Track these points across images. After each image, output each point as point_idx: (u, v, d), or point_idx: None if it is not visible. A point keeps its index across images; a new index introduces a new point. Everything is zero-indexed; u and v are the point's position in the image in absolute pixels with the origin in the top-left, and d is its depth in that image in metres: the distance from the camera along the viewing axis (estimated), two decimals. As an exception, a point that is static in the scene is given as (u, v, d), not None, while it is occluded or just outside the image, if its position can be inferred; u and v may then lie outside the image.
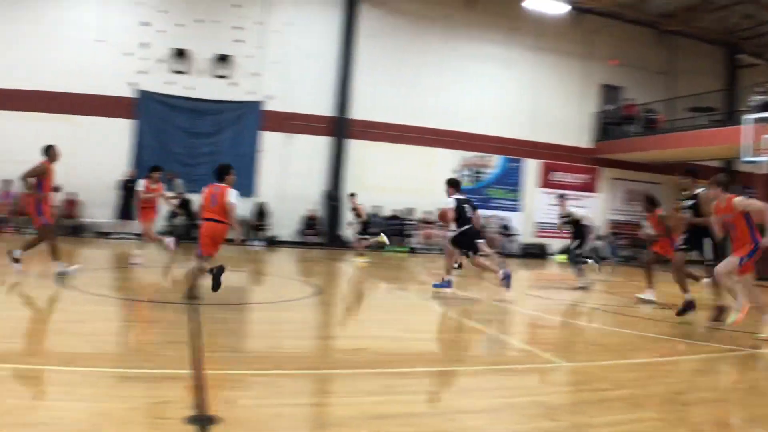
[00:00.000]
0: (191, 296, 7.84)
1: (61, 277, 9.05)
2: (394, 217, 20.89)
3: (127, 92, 18.80)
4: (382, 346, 6.42)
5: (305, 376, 5.05)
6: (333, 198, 20.11)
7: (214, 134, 19.33)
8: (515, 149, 23.11)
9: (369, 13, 20.92)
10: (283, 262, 15.70)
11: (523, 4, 20.86)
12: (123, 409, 3.89)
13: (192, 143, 19.24)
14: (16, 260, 9.17)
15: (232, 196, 8.09)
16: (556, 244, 22.13)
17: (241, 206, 18.19)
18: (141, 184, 13.04)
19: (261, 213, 19.27)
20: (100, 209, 18.05)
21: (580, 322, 9.14)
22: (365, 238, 16.02)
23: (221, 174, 8.27)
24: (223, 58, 19.26)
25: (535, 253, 22.52)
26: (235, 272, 12.92)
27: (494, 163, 23.01)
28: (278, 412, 4.10)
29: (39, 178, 9.43)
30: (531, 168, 23.56)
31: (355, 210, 16.36)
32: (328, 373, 5.26)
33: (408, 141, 21.27)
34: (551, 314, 9.61)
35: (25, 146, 14.51)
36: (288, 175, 19.58)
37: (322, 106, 20.40)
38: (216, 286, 7.75)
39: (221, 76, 19.33)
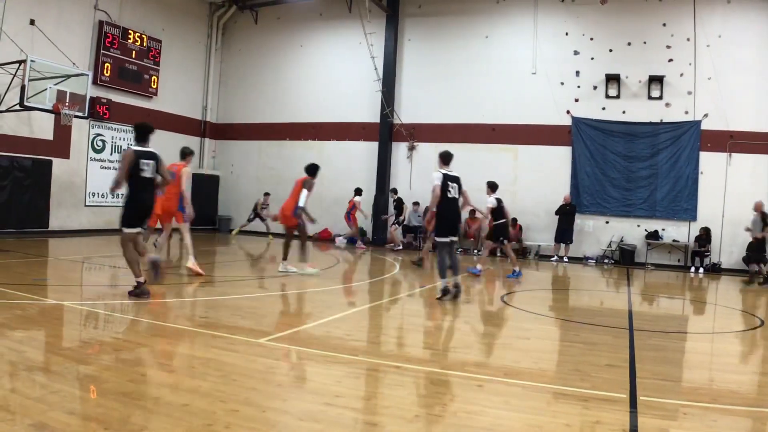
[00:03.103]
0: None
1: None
2: None
3: (563, 120, 19.79)
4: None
5: (742, 413, 4.81)
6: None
7: (650, 157, 18.88)
8: None
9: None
10: (723, 290, 14.57)
11: None
12: (556, 424, 4.26)
13: (628, 167, 19.15)
14: None
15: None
16: None
17: (678, 231, 17.67)
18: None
19: (704, 238, 18.02)
20: (539, 233, 19.40)
21: None
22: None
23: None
24: (654, 79, 18.82)
25: None
26: (673, 300, 12.61)
27: None
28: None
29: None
30: None
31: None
32: (768, 412, 4.90)
33: None
34: None
35: (472, 173, 16.26)
36: (729, 198, 17.98)
37: (766, 121, 18.05)
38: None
39: (654, 98, 18.91)
